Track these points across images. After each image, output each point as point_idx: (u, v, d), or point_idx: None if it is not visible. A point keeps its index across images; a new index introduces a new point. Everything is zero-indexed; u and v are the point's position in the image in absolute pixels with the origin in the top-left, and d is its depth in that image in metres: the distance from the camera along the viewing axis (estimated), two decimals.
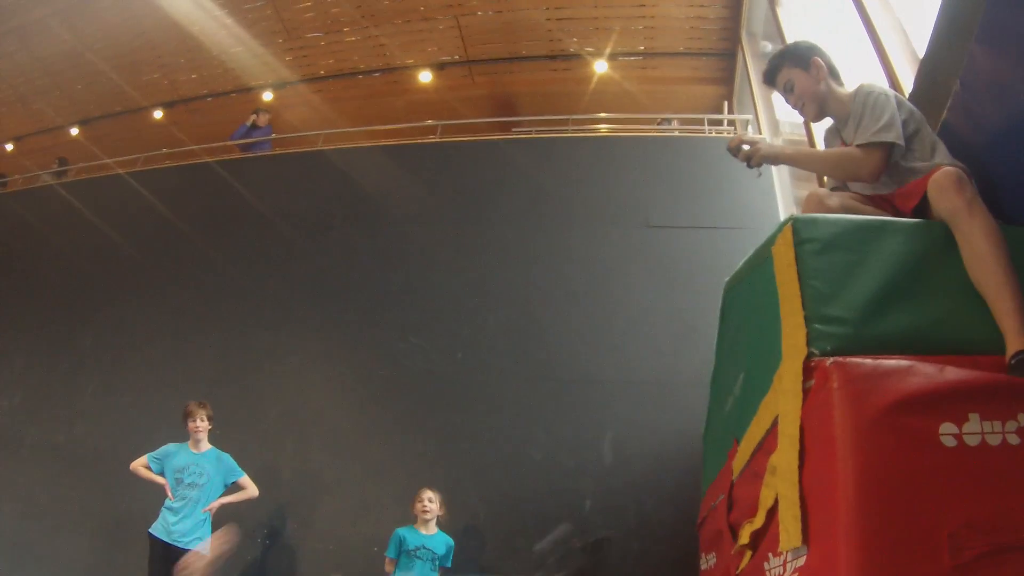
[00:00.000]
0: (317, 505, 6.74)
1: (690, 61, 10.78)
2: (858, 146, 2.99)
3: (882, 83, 4.04)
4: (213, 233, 8.59)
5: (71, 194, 9.95)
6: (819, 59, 3.23)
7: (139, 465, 6.00)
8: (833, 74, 3.26)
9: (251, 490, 6.12)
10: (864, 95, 3.05)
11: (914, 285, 2.55)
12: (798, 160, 3.62)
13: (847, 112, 3.13)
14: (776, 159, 3.41)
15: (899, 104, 3.02)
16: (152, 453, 6.05)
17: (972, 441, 2.19)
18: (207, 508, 5.87)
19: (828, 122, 3.44)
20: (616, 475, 6.07)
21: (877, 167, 2.96)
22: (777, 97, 8.38)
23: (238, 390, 7.35)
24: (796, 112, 3.42)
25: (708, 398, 3.78)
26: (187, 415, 6.09)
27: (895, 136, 2.92)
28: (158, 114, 12.91)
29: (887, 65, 4.80)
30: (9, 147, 14.01)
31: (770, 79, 3.41)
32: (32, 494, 7.84)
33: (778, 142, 7.50)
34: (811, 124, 5.97)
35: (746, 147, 3.27)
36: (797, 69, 3.26)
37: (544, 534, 6.04)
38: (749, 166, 3.28)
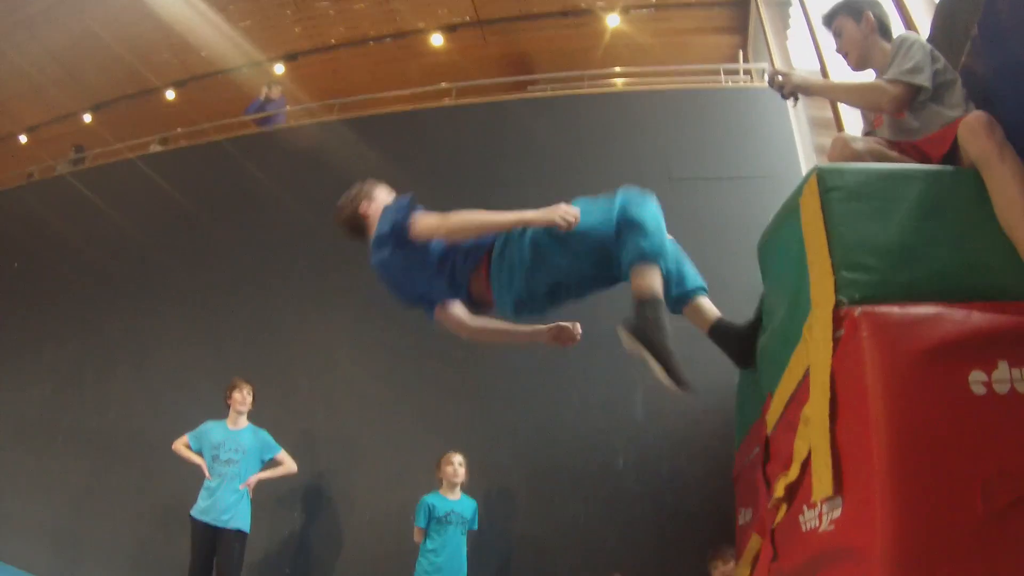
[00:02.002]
0: (352, 475, 6.80)
1: (703, 11, 10.66)
2: (887, 80, 3.10)
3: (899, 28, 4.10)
4: (234, 210, 8.60)
5: (90, 182, 9.98)
6: (871, 13, 3.37)
7: (180, 444, 6.09)
8: (883, 30, 3.38)
9: (288, 465, 6.19)
10: (900, 40, 3.17)
11: (942, 232, 2.53)
12: (827, 89, 4.01)
13: (887, 64, 3.20)
14: (807, 88, 3.51)
15: (934, 57, 3.10)
16: (191, 432, 6.13)
17: (1001, 389, 2.18)
18: (244, 484, 5.93)
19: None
20: (649, 432, 6.08)
21: (900, 100, 3.07)
22: (792, 45, 8.35)
23: (269, 366, 7.38)
24: (841, 59, 3.57)
25: None
26: (231, 387, 6.18)
27: (922, 79, 3.01)
28: (170, 94, 12.88)
29: (903, 9, 4.78)
30: (23, 138, 14.03)
31: (826, 22, 3.57)
32: (69, 482, 7.94)
33: (796, 72, 7.46)
34: (828, 75, 5.96)
35: (779, 77, 3.43)
36: (850, 19, 3.41)
37: (577, 495, 6.11)
38: (783, 95, 3.46)
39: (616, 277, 3.36)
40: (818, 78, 4.49)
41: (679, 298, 3.46)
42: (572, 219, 3.18)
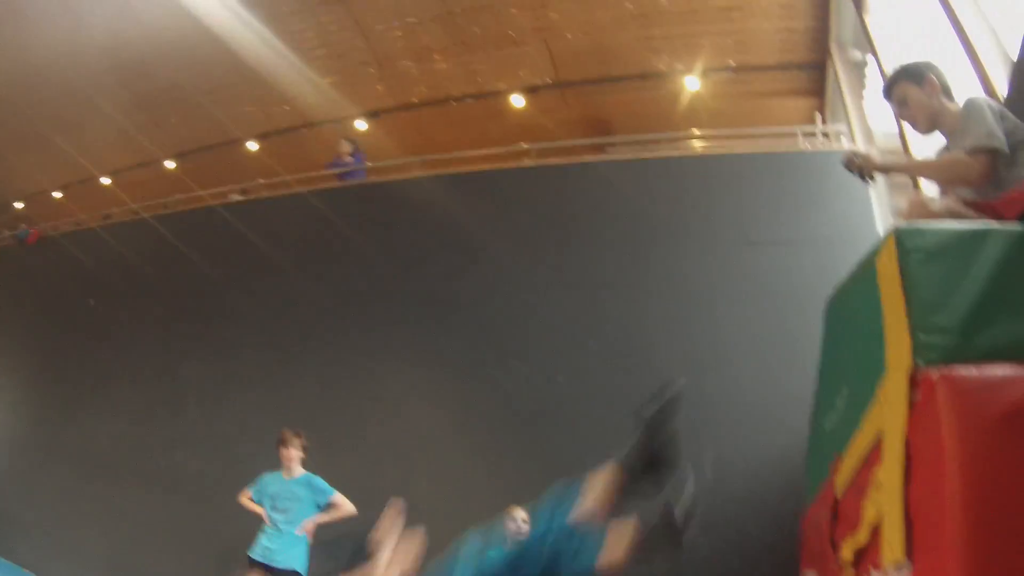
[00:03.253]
0: (418, 526, 6.82)
1: (780, 74, 10.66)
2: (967, 151, 3.09)
3: (976, 89, 4.10)
4: (312, 263, 8.78)
5: (170, 227, 10.28)
6: (933, 76, 3.39)
7: (244, 498, 6.33)
8: (946, 91, 3.40)
9: (346, 508, 6.28)
10: (970, 106, 3.17)
11: (1021, 294, 2.49)
12: (910, 168, 4.03)
13: (957, 127, 3.23)
14: (888, 168, 3.62)
15: (1003, 116, 3.11)
16: (251, 485, 6.36)
17: None
18: (301, 529, 6.09)
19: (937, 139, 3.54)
20: (717, 492, 6.02)
21: (984, 170, 3.05)
22: (869, 106, 8.32)
23: (339, 418, 7.51)
24: (908, 125, 3.61)
25: (810, 415, 3.76)
26: (280, 442, 6.34)
27: (1000, 143, 3.01)
28: (253, 145, 13.23)
29: (980, 69, 4.76)
30: (106, 180, 14.41)
31: (887, 93, 3.58)
32: (133, 518, 8.10)
33: (875, 152, 7.43)
34: (906, 135, 5.95)
35: (858, 160, 3.46)
36: (912, 84, 3.42)
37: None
38: (863, 178, 3.48)
39: None
40: (898, 157, 4.47)
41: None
42: None
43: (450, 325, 7.45)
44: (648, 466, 3.42)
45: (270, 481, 6.34)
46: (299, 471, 6.36)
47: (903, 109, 3.50)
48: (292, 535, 6.07)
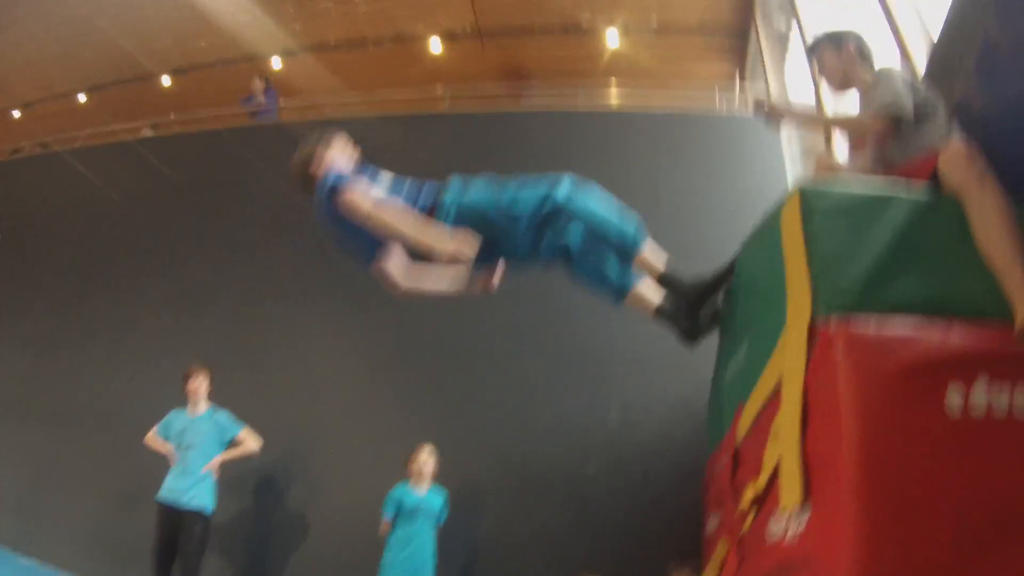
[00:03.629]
0: (324, 464, 6.84)
1: (703, 38, 10.70)
2: (869, 114, 3.21)
3: (896, 62, 4.22)
4: (221, 200, 8.60)
5: (80, 161, 9.95)
6: (851, 44, 3.49)
7: (151, 437, 6.17)
8: (865, 58, 3.48)
9: (250, 443, 6.21)
10: (881, 74, 3.29)
11: (921, 256, 2.53)
12: (814, 119, 4.23)
13: (869, 92, 3.31)
14: (795, 116, 3.72)
15: (914, 87, 3.20)
16: (159, 424, 6.22)
17: (977, 413, 2.16)
18: (207, 467, 5.97)
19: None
20: (623, 439, 6.11)
21: (882, 132, 3.17)
22: (788, 74, 8.41)
23: (247, 356, 7.43)
24: (825, 89, 3.91)
25: (715, 364, 3.81)
26: (186, 376, 6.23)
27: (901, 111, 3.10)
28: (167, 80, 12.91)
29: (902, 45, 4.96)
30: (17, 114, 14.00)
31: (809, 52, 3.81)
32: (40, 459, 7.90)
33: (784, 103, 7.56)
34: (823, 105, 6.06)
35: (765, 106, 3.60)
36: (832, 48, 3.52)
37: (549, 498, 6.12)
38: (767, 122, 3.64)
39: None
40: (806, 109, 4.69)
41: (621, 260, 3.57)
42: (464, 259, 3.40)
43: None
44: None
45: (175, 418, 6.22)
46: (204, 407, 6.26)
47: (821, 69, 3.61)
48: (198, 474, 5.94)
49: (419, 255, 3.67)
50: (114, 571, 6.89)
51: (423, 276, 3.87)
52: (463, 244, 3.38)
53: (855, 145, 3.57)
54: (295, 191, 4.05)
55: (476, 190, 3.74)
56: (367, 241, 3.67)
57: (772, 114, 3.60)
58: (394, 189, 3.80)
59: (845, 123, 3.63)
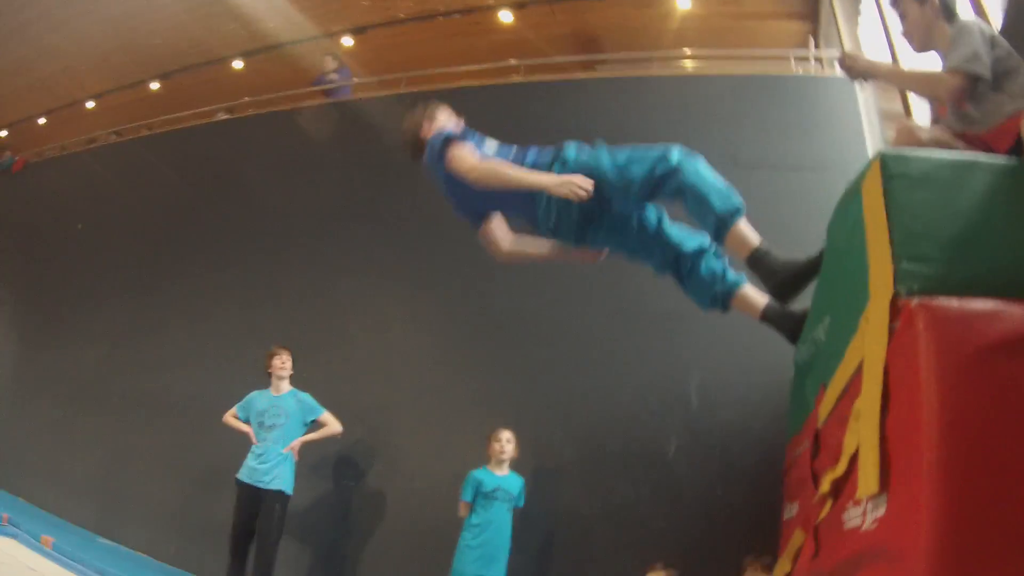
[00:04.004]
0: (401, 445, 6.89)
1: None
2: (946, 70, 3.11)
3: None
4: (297, 179, 8.72)
5: (155, 148, 10.16)
6: None
7: (229, 416, 6.32)
8: (948, 13, 3.34)
9: (333, 426, 6.32)
10: (958, 28, 3.14)
11: (1006, 227, 2.44)
12: (891, 75, 4.07)
13: (948, 48, 3.19)
14: (873, 72, 3.61)
15: (995, 42, 3.06)
16: (239, 403, 6.36)
17: None
18: (288, 448, 6.09)
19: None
20: (703, 420, 6.02)
21: (958, 91, 3.06)
22: (863, 32, 8.21)
23: (323, 339, 7.51)
24: (906, 43, 3.62)
25: (798, 343, 3.72)
26: (270, 355, 6.37)
27: (979, 68, 2.99)
28: (238, 64, 13.04)
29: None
30: (90, 104, 14.28)
31: (893, 4, 3.60)
32: (117, 444, 8.16)
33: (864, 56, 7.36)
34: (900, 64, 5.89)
35: (847, 60, 3.57)
36: (914, 2, 3.41)
37: (626, 478, 6.09)
38: (851, 77, 3.59)
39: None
40: (885, 64, 4.55)
41: (718, 228, 3.64)
42: (583, 193, 3.52)
43: (434, 241, 7.37)
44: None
45: (258, 398, 6.35)
46: (287, 387, 6.38)
47: (903, 24, 3.52)
48: (279, 454, 6.06)
49: (525, 228, 3.90)
50: (192, 553, 7.09)
51: (525, 242, 4.09)
52: (577, 179, 3.52)
53: (938, 112, 3.44)
54: (407, 155, 4.31)
55: (592, 151, 3.86)
56: (475, 202, 3.89)
57: (853, 67, 3.53)
58: (500, 153, 3.97)
59: (920, 79, 3.51)
